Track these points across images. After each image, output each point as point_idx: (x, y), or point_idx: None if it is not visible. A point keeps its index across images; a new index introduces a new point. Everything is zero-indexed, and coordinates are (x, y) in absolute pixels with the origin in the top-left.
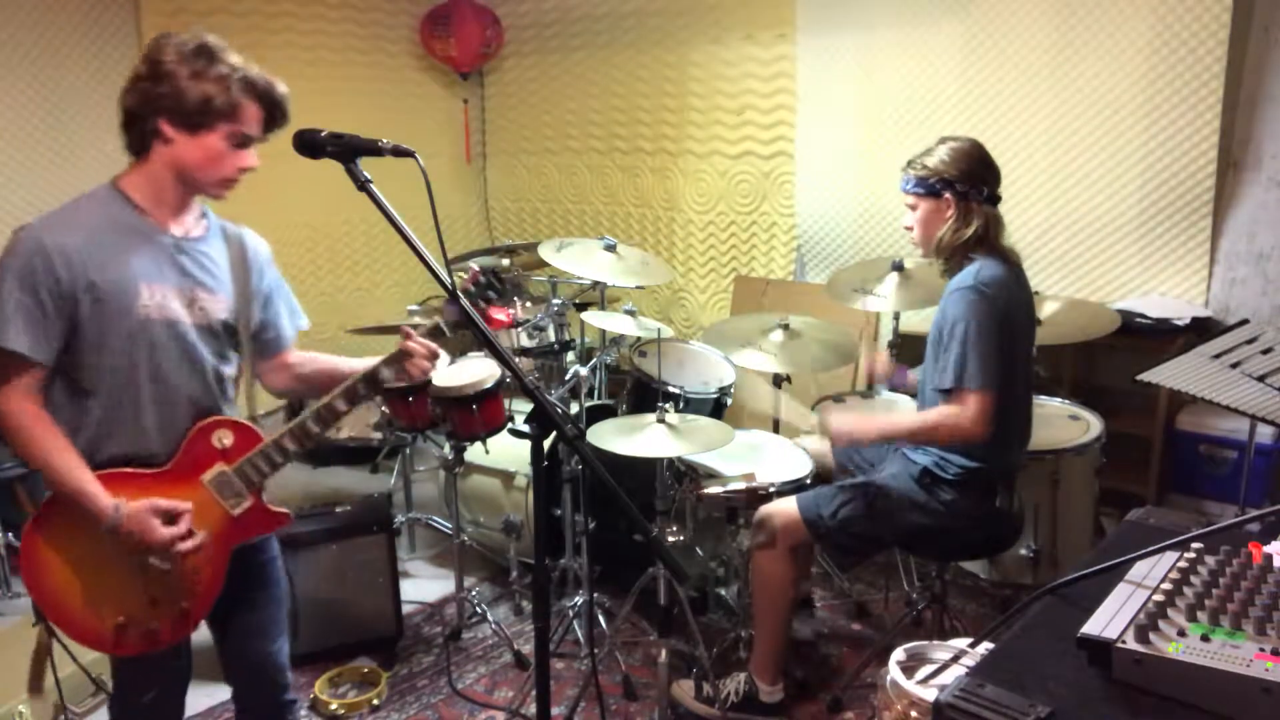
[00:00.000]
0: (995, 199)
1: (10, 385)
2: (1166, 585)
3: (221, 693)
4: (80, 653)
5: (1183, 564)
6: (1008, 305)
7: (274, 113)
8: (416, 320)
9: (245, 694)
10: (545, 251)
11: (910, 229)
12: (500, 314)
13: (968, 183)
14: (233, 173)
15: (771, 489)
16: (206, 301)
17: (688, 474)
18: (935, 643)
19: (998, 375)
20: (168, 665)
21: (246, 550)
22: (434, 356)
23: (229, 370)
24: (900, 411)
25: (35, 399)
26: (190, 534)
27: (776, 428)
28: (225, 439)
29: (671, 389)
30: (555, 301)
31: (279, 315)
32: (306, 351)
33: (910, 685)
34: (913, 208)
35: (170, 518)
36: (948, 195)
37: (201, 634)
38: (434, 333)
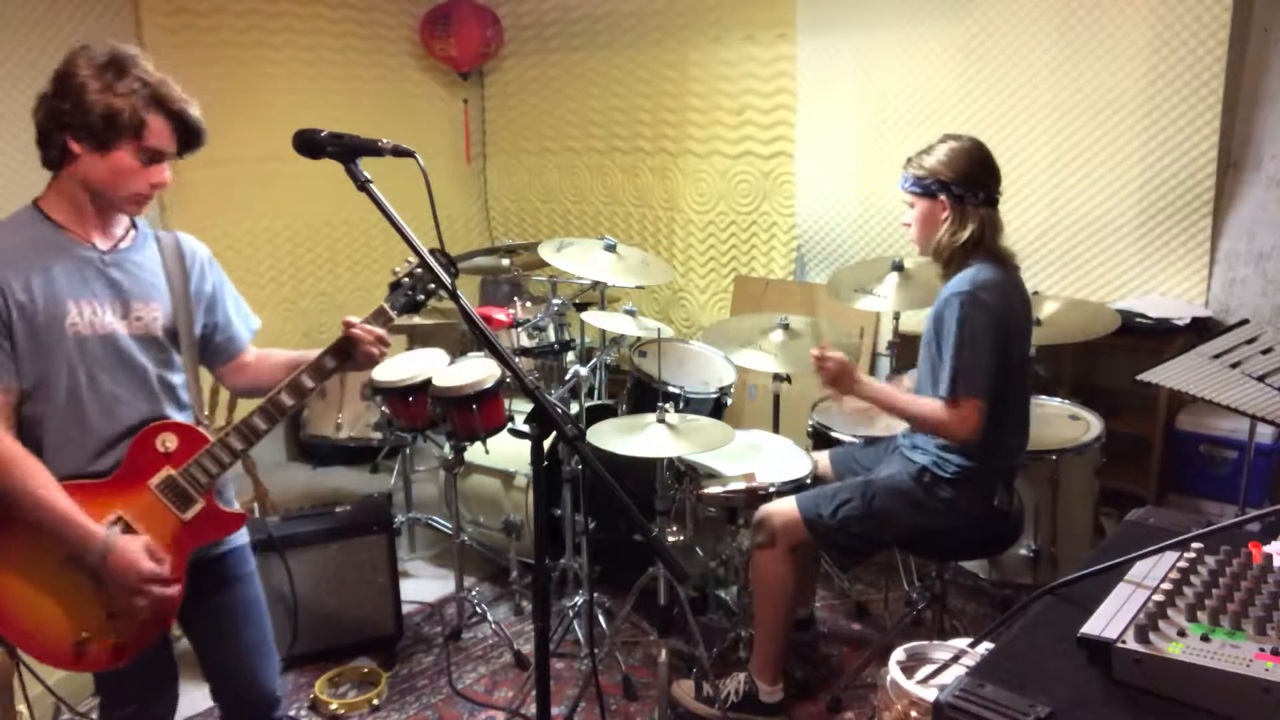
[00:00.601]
0: (994, 201)
1: None
2: (1166, 585)
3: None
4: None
5: (1183, 564)
6: (1003, 309)
7: (186, 132)
8: (415, 320)
9: (232, 713)
10: (545, 251)
11: (908, 226)
12: (500, 314)
13: (964, 185)
14: (144, 189)
15: (771, 489)
16: (143, 311)
17: (688, 474)
18: (935, 643)
19: (990, 383)
20: (147, 675)
21: (221, 567)
22: (381, 342)
23: (177, 378)
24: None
25: (6, 431)
26: (167, 581)
27: (776, 428)
28: (169, 442)
29: (671, 389)
30: (555, 301)
31: (228, 317)
32: (265, 349)
33: (910, 685)
34: (911, 206)
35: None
36: (943, 197)
37: None
38: (378, 316)
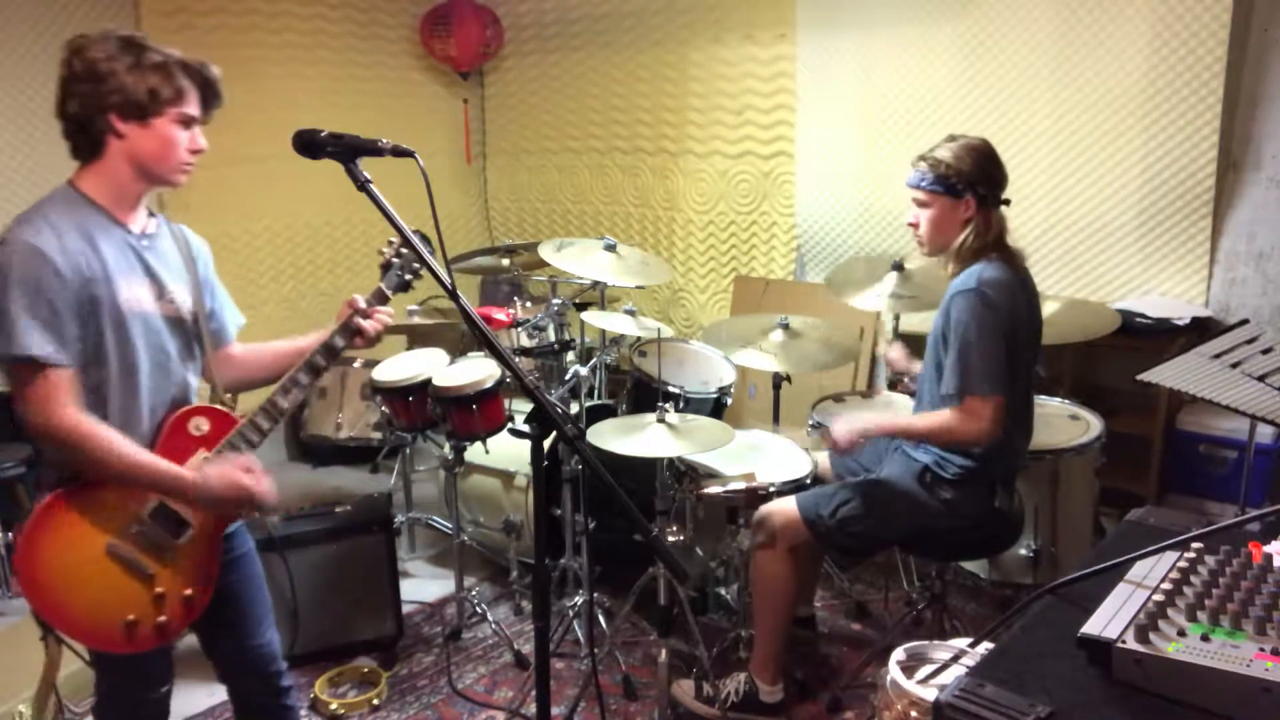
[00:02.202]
0: (1006, 201)
1: (55, 400)
2: (1166, 585)
3: (222, 692)
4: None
5: (1183, 564)
6: (1011, 308)
7: (209, 93)
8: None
9: (243, 690)
10: (545, 251)
11: (914, 226)
12: (500, 314)
13: (988, 185)
14: (188, 156)
15: (771, 489)
16: (173, 294)
17: (688, 474)
18: (935, 643)
19: (1004, 378)
20: (152, 665)
21: (226, 547)
22: (384, 316)
23: (193, 363)
24: (906, 412)
25: (82, 409)
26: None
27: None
28: (202, 425)
29: (671, 389)
30: (555, 301)
31: (221, 308)
32: (253, 343)
33: (910, 685)
34: (923, 205)
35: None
36: (969, 197)
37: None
38: (378, 297)
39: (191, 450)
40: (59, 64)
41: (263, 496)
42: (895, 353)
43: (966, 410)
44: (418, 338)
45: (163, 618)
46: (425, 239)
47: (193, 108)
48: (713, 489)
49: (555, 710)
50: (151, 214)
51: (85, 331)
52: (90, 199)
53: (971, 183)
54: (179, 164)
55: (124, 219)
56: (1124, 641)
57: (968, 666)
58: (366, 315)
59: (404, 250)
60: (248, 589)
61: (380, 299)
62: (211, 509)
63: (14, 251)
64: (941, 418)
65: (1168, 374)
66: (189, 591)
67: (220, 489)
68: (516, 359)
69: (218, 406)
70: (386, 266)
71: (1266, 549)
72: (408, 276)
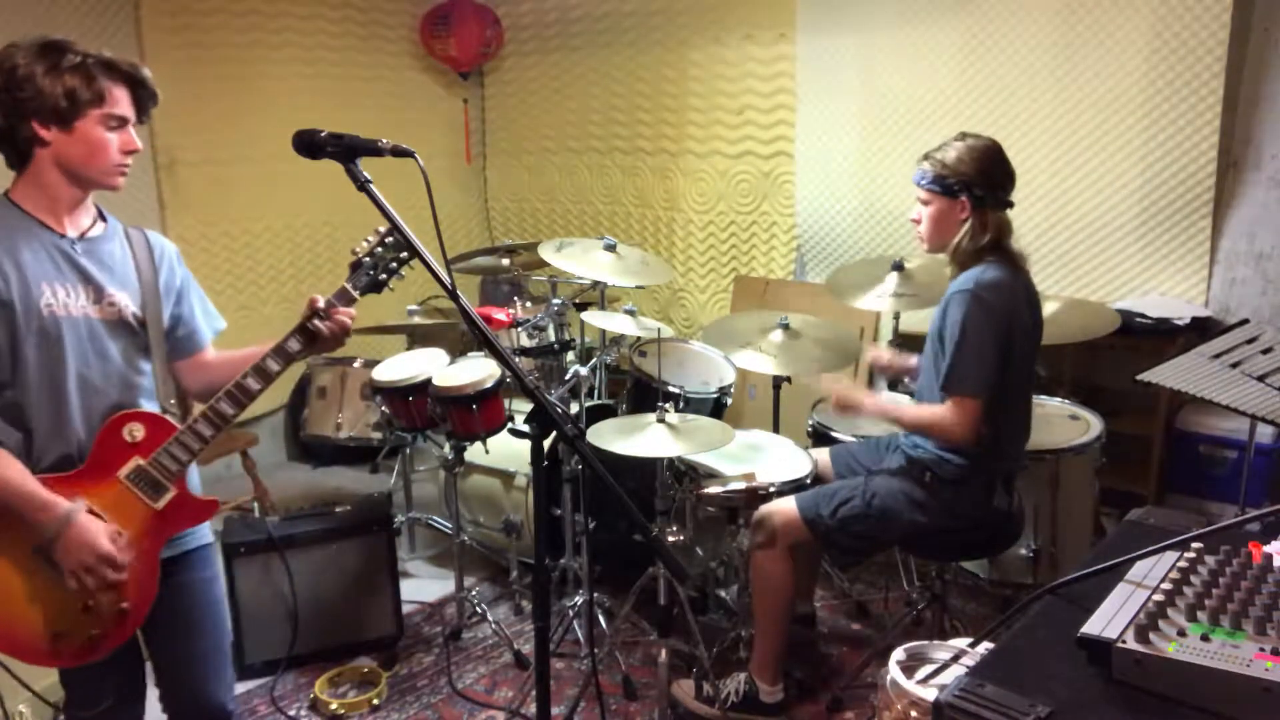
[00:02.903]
0: (1010, 203)
1: None
2: (1166, 585)
3: None
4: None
5: (1183, 564)
6: (1008, 309)
7: (140, 92)
8: (415, 320)
9: None
10: (545, 251)
11: (917, 222)
12: (500, 314)
13: (985, 187)
14: (120, 158)
15: (771, 489)
16: (114, 297)
17: (688, 474)
18: (935, 643)
19: (989, 382)
20: (119, 676)
21: (182, 567)
22: (343, 327)
23: (145, 366)
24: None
25: None
26: (119, 568)
27: (777, 428)
28: (136, 432)
29: (671, 389)
30: (555, 301)
31: (192, 312)
32: (227, 349)
33: (910, 685)
34: (925, 202)
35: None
36: (964, 198)
37: None
38: (341, 296)
39: (125, 457)
40: None
41: (104, 576)
42: (883, 357)
43: (950, 408)
44: (418, 338)
45: (93, 631)
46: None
47: (120, 108)
48: (713, 489)
49: (555, 710)
50: (103, 218)
51: None
52: (21, 208)
53: (968, 184)
54: (111, 166)
55: (58, 225)
56: (1124, 641)
57: (968, 666)
58: (325, 316)
59: (379, 249)
60: (196, 616)
61: (344, 299)
62: (59, 555)
63: None
64: (929, 412)
65: (1168, 374)
66: (124, 605)
67: (73, 538)
68: (516, 359)
69: (159, 413)
70: (356, 265)
71: (1266, 549)
72: (382, 276)
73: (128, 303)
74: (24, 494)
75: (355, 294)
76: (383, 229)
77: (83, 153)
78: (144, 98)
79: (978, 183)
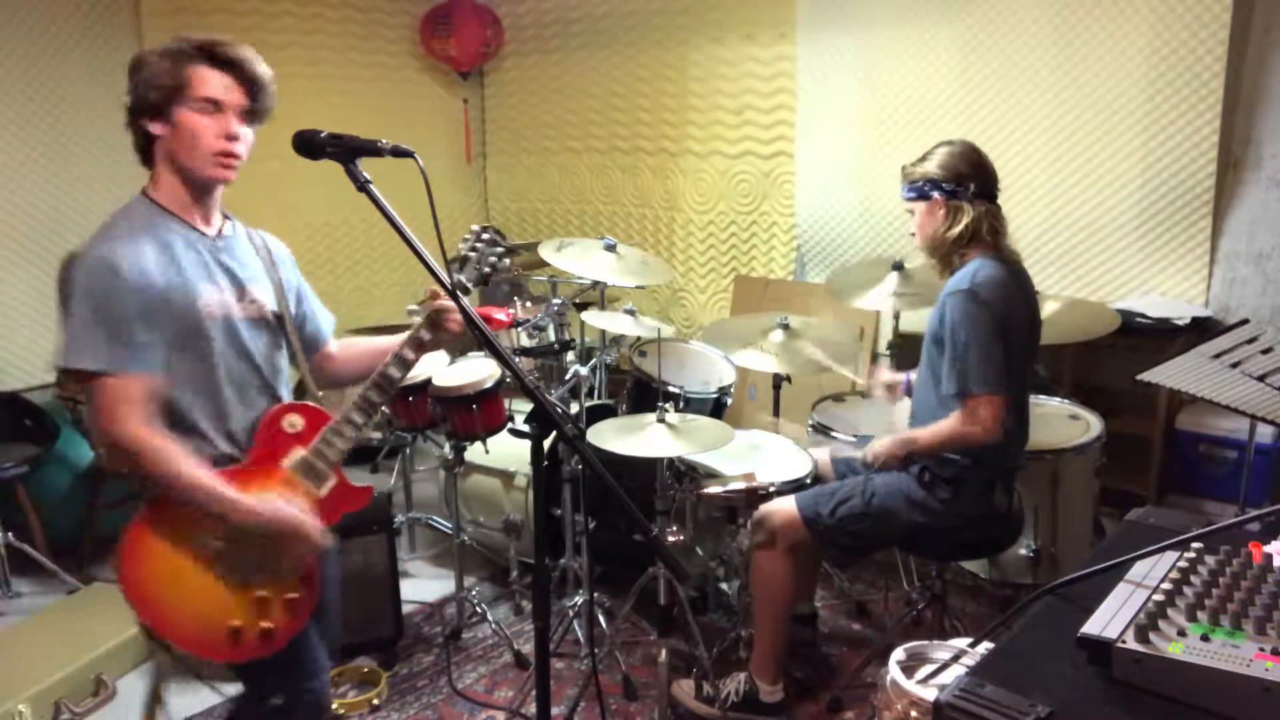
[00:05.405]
0: (990, 196)
1: (114, 411)
2: (1166, 585)
3: (222, 692)
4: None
5: (1183, 564)
6: (1005, 306)
7: (239, 75)
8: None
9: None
10: (545, 251)
11: (914, 235)
12: (500, 314)
13: (954, 181)
14: (217, 144)
15: (771, 489)
16: (255, 294)
17: (688, 474)
18: (935, 643)
19: (1003, 376)
20: (298, 660)
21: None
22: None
23: (283, 362)
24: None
25: (150, 420)
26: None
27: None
28: (296, 422)
29: (671, 389)
30: (555, 301)
31: (313, 309)
32: (340, 339)
33: (910, 685)
34: (911, 213)
35: None
36: (936, 195)
37: None
38: (459, 288)
39: (287, 448)
40: None
41: (315, 534)
42: (882, 385)
43: (969, 411)
44: None
45: (267, 624)
46: (499, 232)
47: (209, 89)
48: (713, 489)
49: (555, 710)
50: (227, 217)
51: (161, 338)
52: (161, 206)
53: (936, 182)
54: (207, 153)
55: (195, 223)
56: (1124, 641)
57: (968, 666)
58: (446, 307)
59: (477, 245)
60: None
61: (461, 290)
62: (267, 536)
63: (84, 264)
64: (946, 425)
65: (1168, 374)
66: (293, 595)
67: (271, 519)
68: (516, 359)
69: (310, 404)
70: (463, 261)
71: (1266, 549)
72: (485, 269)
73: (266, 300)
74: (219, 495)
75: (470, 287)
76: (476, 227)
77: (184, 141)
78: (247, 83)
79: (946, 179)
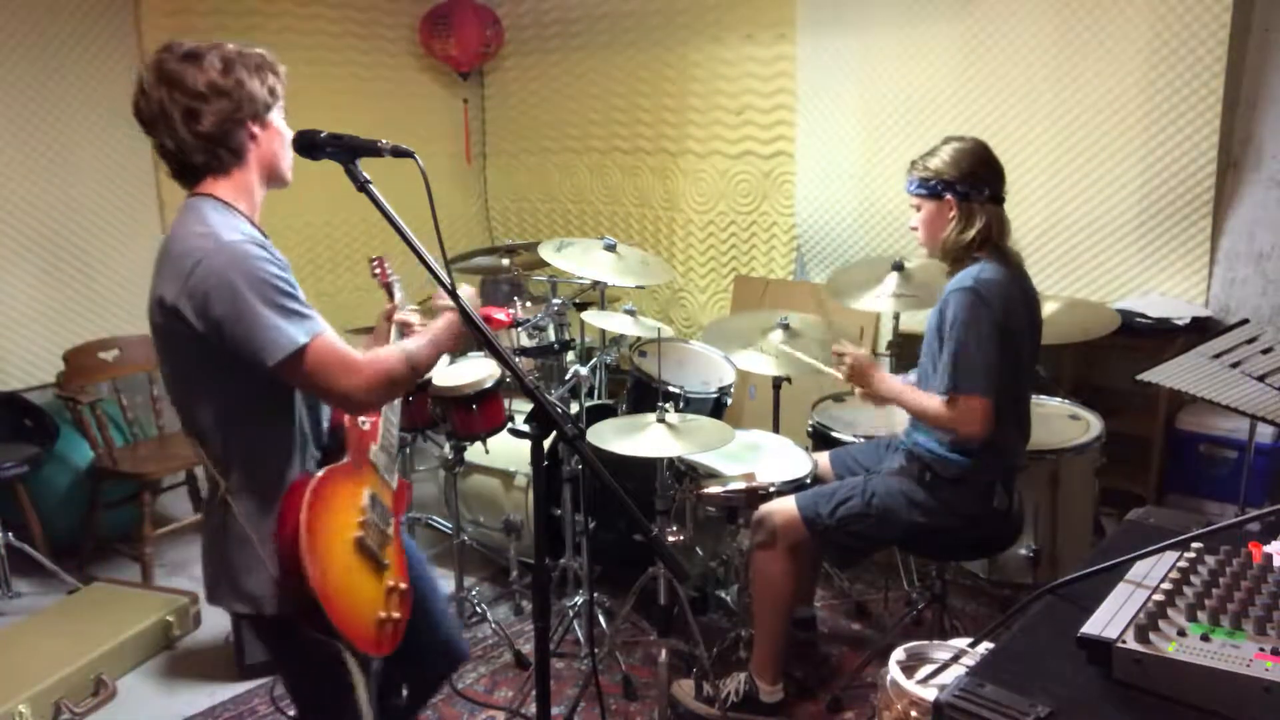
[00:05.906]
0: (999, 199)
1: (345, 362)
2: (1166, 585)
3: (223, 692)
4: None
5: (1183, 564)
6: (1006, 307)
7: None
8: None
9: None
10: (545, 251)
11: (916, 229)
12: (500, 314)
13: (969, 183)
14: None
15: (771, 489)
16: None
17: (688, 474)
18: (935, 643)
19: (995, 380)
20: (410, 656)
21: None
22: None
23: None
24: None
25: (360, 353)
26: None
27: (776, 428)
28: (365, 418)
29: (671, 389)
30: (555, 301)
31: None
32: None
33: (910, 685)
34: (917, 209)
35: None
36: (949, 196)
37: (210, 631)
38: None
39: (368, 443)
40: (156, 90)
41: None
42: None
43: (956, 408)
44: None
45: (395, 613)
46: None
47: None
48: (713, 489)
49: (555, 710)
50: None
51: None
52: (238, 209)
53: (950, 183)
54: (289, 161)
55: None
56: (1124, 641)
57: (968, 666)
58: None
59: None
60: (433, 581)
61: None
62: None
63: (235, 254)
64: (935, 404)
65: (1168, 374)
66: (404, 585)
67: (452, 321)
68: (516, 359)
69: None
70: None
71: (1266, 549)
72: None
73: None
74: (433, 347)
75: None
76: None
77: (278, 147)
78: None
79: (960, 180)
